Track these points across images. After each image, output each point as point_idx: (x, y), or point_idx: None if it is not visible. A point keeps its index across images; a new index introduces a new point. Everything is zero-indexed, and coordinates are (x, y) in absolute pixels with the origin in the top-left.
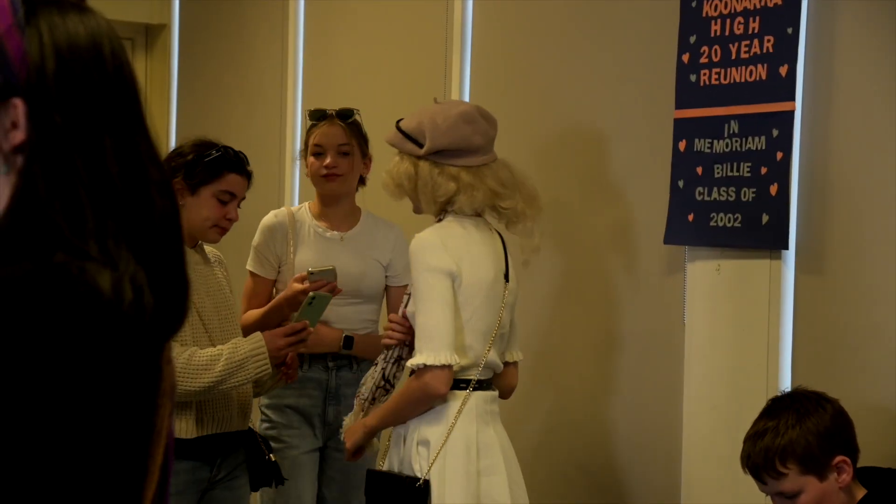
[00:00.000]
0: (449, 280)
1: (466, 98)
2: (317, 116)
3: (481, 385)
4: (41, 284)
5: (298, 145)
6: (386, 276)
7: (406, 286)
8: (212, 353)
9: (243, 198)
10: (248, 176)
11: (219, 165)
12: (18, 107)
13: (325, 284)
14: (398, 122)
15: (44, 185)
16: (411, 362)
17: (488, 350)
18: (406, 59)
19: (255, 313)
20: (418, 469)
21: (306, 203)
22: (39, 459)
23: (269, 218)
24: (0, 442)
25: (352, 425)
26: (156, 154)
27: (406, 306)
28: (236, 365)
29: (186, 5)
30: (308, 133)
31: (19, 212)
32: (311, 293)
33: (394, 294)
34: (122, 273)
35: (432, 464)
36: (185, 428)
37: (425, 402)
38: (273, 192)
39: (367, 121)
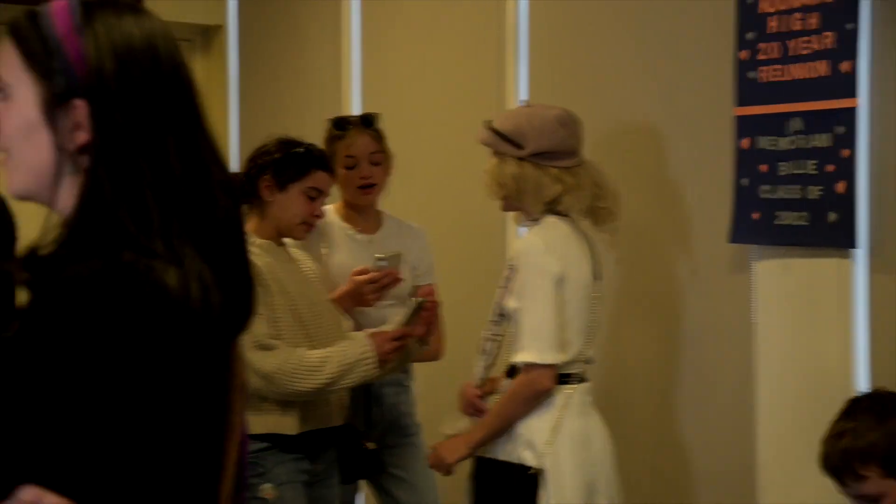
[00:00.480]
0: (554, 281)
1: (523, 97)
2: (342, 125)
3: (581, 378)
4: (111, 282)
5: None
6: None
7: (430, 284)
8: (321, 355)
9: (328, 195)
10: (332, 173)
11: (307, 162)
12: (80, 108)
13: (389, 273)
14: (488, 123)
15: (110, 185)
16: (517, 359)
17: (587, 345)
18: (461, 58)
19: None
20: (527, 461)
21: (331, 205)
22: (115, 453)
23: None
24: (73, 436)
25: (448, 442)
26: (217, 153)
27: (503, 299)
28: (346, 368)
29: (243, 6)
30: (333, 143)
31: (87, 211)
32: (417, 299)
33: (420, 293)
34: (188, 270)
35: (542, 455)
36: (289, 424)
37: (534, 400)
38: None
39: (424, 119)
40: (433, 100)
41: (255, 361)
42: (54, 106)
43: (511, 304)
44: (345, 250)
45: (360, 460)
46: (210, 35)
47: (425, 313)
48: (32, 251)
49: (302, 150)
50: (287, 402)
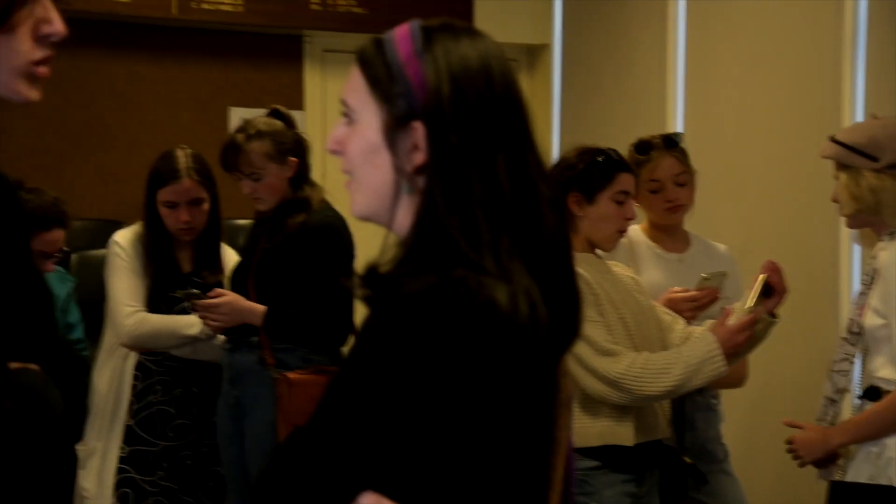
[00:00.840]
0: None
1: (860, 104)
2: (644, 149)
3: None
4: (444, 298)
5: None
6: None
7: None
8: (667, 357)
9: (634, 195)
10: (635, 174)
11: (610, 168)
12: (419, 130)
13: (711, 292)
14: (832, 137)
15: (443, 204)
16: (890, 376)
17: None
18: (793, 63)
19: None
20: None
21: (637, 225)
22: (447, 463)
23: None
24: (410, 445)
25: (806, 438)
26: (545, 170)
27: (859, 315)
28: (694, 368)
29: (567, 25)
30: (637, 167)
31: (423, 229)
32: (761, 276)
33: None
34: (517, 287)
35: None
36: (625, 434)
37: None
38: None
39: (754, 126)
40: (762, 105)
41: (601, 368)
42: (395, 129)
43: (871, 320)
44: (654, 269)
45: (682, 477)
46: (536, 54)
47: (775, 285)
48: (372, 269)
49: (602, 157)
50: (623, 410)
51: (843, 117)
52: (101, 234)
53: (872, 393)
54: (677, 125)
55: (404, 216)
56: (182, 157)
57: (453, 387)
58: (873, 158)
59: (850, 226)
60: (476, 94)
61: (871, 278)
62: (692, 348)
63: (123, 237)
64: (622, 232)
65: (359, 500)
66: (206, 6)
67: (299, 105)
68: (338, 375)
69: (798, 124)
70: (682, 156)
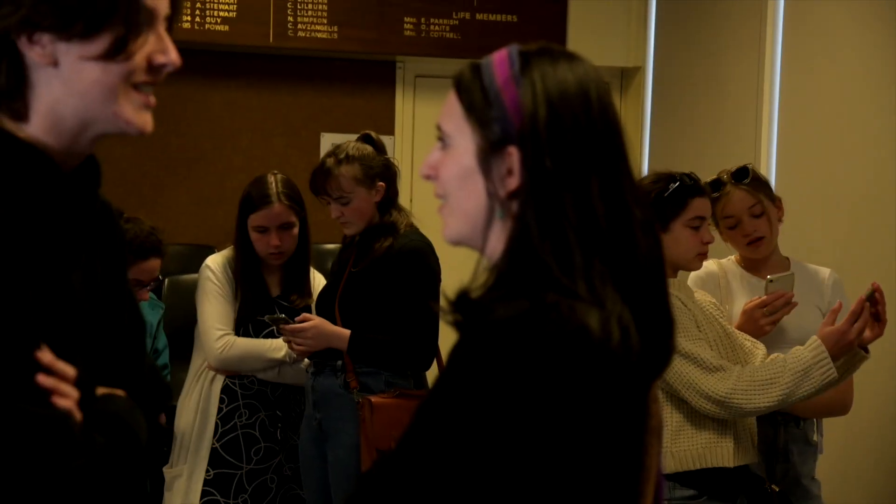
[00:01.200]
0: None
1: None
2: (716, 187)
3: None
4: (537, 323)
5: (773, 179)
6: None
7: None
8: (773, 367)
9: (709, 217)
10: (709, 196)
11: (682, 195)
12: (514, 154)
13: (782, 295)
14: None
15: (536, 228)
16: None
17: None
18: (888, 90)
19: None
20: None
21: (732, 257)
22: (539, 488)
23: (699, 272)
24: (496, 469)
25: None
26: (639, 194)
27: None
28: (801, 374)
29: (661, 47)
30: (712, 205)
31: (515, 254)
32: (869, 290)
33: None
34: (609, 312)
35: None
36: (725, 455)
37: None
38: None
39: (847, 153)
40: (854, 138)
41: (708, 386)
42: (489, 154)
43: None
44: (749, 296)
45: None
46: (629, 76)
47: (877, 306)
48: (463, 294)
49: (676, 184)
50: (722, 432)
51: None
52: (195, 259)
53: None
54: (771, 151)
55: (496, 241)
56: (273, 182)
57: (544, 415)
58: None
59: None
60: (573, 119)
61: None
62: (798, 354)
63: (215, 262)
64: (703, 255)
65: None
66: (301, 34)
67: (390, 130)
68: (427, 401)
69: (891, 150)
70: (755, 187)
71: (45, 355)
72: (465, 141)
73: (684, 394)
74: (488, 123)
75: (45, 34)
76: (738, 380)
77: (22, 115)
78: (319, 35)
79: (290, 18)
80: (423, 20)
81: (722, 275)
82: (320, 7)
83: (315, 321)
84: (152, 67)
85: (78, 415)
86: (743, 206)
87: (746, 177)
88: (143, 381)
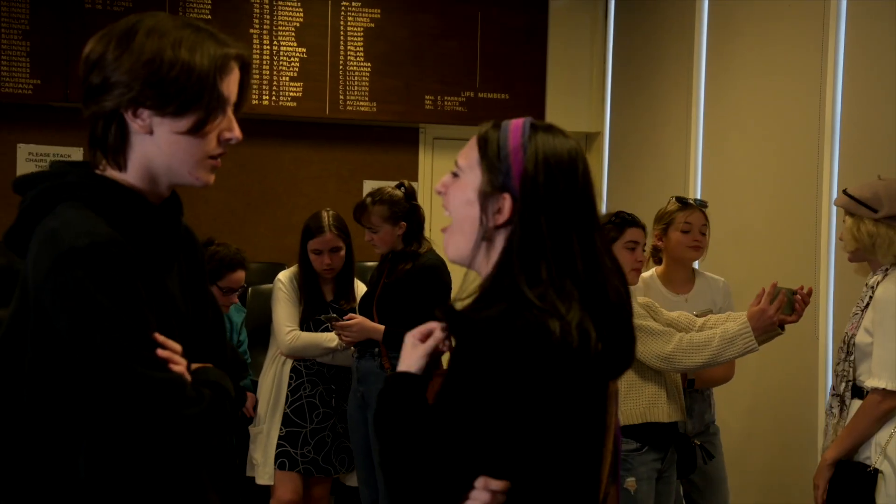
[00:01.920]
0: None
1: (836, 174)
2: (685, 202)
3: None
4: (511, 319)
5: None
6: None
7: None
8: (707, 334)
9: (644, 244)
10: (643, 228)
11: (621, 225)
12: (507, 199)
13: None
14: (844, 190)
15: (518, 260)
16: (872, 383)
17: None
18: (785, 138)
19: None
20: (870, 461)
21: (653, 269)
22: (525, 445)
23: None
24: (496, 433)
25: (818, 469)
26: (608, 247)
27: (856, 330)
28: (727, 342)
29: (614, 117)
30: (675, 213)
31: (500, 274)
32: (790, 290)
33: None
34: (569, 322)
35: (885, 458)
36: (660, 413)
37: (883, 419)
38: None
39: (754, 189)
40: (759, 178)
41: (656, 347)
42: (488, 194)
43: (861, 337)
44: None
45: (692, 455)
46: (591, 139)
47: (798, 305)
48: (449, 308)
49: (616, 217)
50: (657, 395)
51: (822, 183)
52: (270, 273)
53: (859, 392)
54: (697, 190)
55: (482, 260)
56: (326, 216)
57: (519, 387)
58: (873, 210)
59: (851, 260)
60: (564, 183)
61: (865, 304)
62: (727, 326)
63: (284, 275)
64: (636, 270)
65: (476, 483)
66: (349, 108)
67: (414, 178)
68: (444, 381)
69: (787, 186)
70: (706, 216)
71: (159, 336)
72: (472, 177)
73: (637, 356)
74: (495, 171)
75: (146, 110)
76: (679, 342)
77: (122, 166)
78: (363, 108)
79: (341, 96)
80: (439, 97)
81: (644, 287)
82: (363, 88)
83: (358, 319)
84: (221, 141)
85: (188, 378)
86: (699, 222)
87: (706, 206)
88: (226, 358)
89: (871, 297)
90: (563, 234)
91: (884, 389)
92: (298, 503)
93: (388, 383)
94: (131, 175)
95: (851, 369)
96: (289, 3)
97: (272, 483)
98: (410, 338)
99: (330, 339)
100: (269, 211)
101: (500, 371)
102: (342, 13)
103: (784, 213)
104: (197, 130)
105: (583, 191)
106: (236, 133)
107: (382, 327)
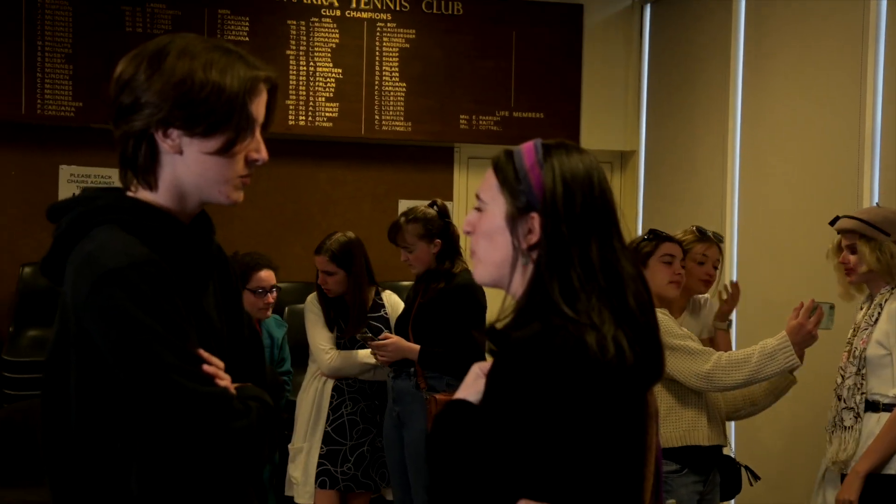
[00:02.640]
0: None
1: (876, 193)
2: (704, 234)
3: None
4: (547, 340)
5: (735, 233)
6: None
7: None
8: (746, 351)
9: (682, 257)
10: (678, 243)
11: (656, 239)
12: (535, 219)
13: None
14: (849, 216)
15: (548, 274)
16: None
17: None
18: (820, 159)
19: None
20: None
21: None
22: (566, 464)
23: None
24: (537, 451)
25: (847, 482)
26: (629, 253)
27: (866, 345)
28: (767, 357)
29: (650, 136)
30: (693, 243)
31: (533, 291)
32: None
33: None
34: (604, 334)
35: None
36: (701, 437)
37: None
38: None
39: (788, 211)
40: (793, 199)
41: (695, 366)
42: (516, 217)
43: (873, 350)
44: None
45: (737, 477)
46: (626, 158)
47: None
48: (491, 327)
49: (650, 234)
50: (698, 417)
51: (861, 202)
52: (305, 292)
53: (873, 406)
54: (734, 213)
55: (518, 282)
56: (329, 240)
57: (557, 406)
58: (886, 233)
59: (856, 281)
60: (582, 196)
61: (874, 320)
62: (766, 342)
63: (313, 297)
64: (674, 283)
65: None
66: (385, 128)
67: (449, 197)
68: (483, 401)
69: (825, 205)
70: (721, 252)
71: (203, 352)
72: (497, 207)
73: (676, 376)
74: (517, 195)
75: (175, 130)
76: (717, 360)
77: (152, 185)
78: (398, 128)
79: (377, 117)
80: (473, 117)
81: None
82: (399, 108)
83: (394, 339)
84: (248, 161)
85: (233, 392)
86: (714, 256)
87: (722, 241)
88: (265, 377)
89: (879, 313)
90: (586, 244)
91: None
92: None
93: (446, 408)
94: (161, 195)
95: (864, 382)
96: (325, 25)
97: (311, 502)
98: (477, 369)
99: (367, 355)
100: (305, 231)
101: (540, 390)
102: (378, 34)
103: (822, 232)
104: (226, 151)
105: (600, 199)
106: (263, 154)
107: (418, 347)
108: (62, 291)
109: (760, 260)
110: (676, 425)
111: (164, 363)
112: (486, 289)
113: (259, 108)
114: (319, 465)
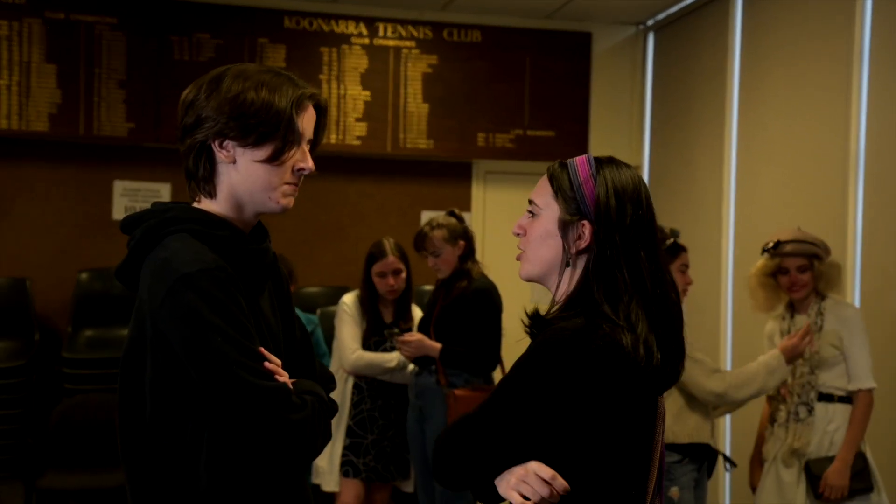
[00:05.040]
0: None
1: (860, 216)
2: (679, 244)
3: None
4: (587, 334)
5: (731, 239)
6: None
7: None
8: (752, 369)
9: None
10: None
11: (675, 248)
12: (586, 226)
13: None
14: (798, 238)
15: (595, 275)
16: (863, 385)
17: None
18: (809, 172)
19: None
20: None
21: None
22: (583, 446)
23: None
24: (560, 433)
25: (831, 470)
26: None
27: (818, 348)
28: (769, 373)
29: (653, 152)
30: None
31: (579, 293)
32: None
33: None
34: (639, 336)
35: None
36: (705, 435)
37: (870, 414)
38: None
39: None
40: (785, 208)
41: (710, 385)
42: (568, 224)
43: (827, 352)
44: None
45: (713, 462)
46: None
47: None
48: (536, 313)
49: (671, 240)
50: (703, 421)
51: (847, 214)
52: (335, 296)
53: (826, 398)
54: (729, 220)
55: (564, 284)
56: (387, 243)
57: (584, 394)
58: (828, 252)
59: (802, 297)
60: (632, 208)
61: (819, 326)
62: (766, 360)
63: (349, 297)
64: (685, 291)
65: (528, 464)
66: (409, 145)
67: (468, 209)
68: (505, 378)
69: (815, 217)
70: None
71: (264, 350)
72: (550, 212)
73: (692, 390)
74: (570, 202)
75: (230, 141)
76: (731, 379)
77: (212, 194)
78: (421, 146)
79: (402, 135)
80: (490, 135)
81: None
82: (422, 127)
83: (417, 336)
84: (295, 171)
85: (291, 387)
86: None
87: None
88: (315, 372)
89: (823, 321)
90: (634, 252)
91: (871, 389)
92: None
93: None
94: (221, 205)
95: (815, 379)
96: (355, 52)
97: (337, 489)
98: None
99: (389, 360)
100: (336, 240)
101: (571, 377)
102: (403, 60)
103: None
104: (274, 159)
105: (647, 212)
106: (309, 164)
107: (439, 345)
108: (137, 296)
109: (754, 252)
110: (685, 425)
111: (231, 360)
112: (502, 292)
113: (306, 122)
114: (343, 455)
